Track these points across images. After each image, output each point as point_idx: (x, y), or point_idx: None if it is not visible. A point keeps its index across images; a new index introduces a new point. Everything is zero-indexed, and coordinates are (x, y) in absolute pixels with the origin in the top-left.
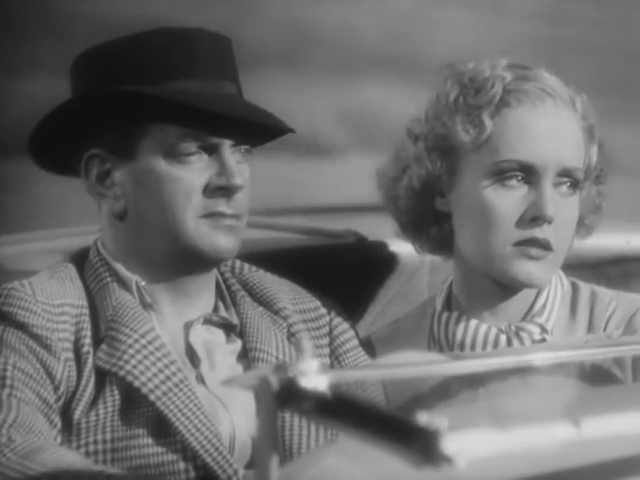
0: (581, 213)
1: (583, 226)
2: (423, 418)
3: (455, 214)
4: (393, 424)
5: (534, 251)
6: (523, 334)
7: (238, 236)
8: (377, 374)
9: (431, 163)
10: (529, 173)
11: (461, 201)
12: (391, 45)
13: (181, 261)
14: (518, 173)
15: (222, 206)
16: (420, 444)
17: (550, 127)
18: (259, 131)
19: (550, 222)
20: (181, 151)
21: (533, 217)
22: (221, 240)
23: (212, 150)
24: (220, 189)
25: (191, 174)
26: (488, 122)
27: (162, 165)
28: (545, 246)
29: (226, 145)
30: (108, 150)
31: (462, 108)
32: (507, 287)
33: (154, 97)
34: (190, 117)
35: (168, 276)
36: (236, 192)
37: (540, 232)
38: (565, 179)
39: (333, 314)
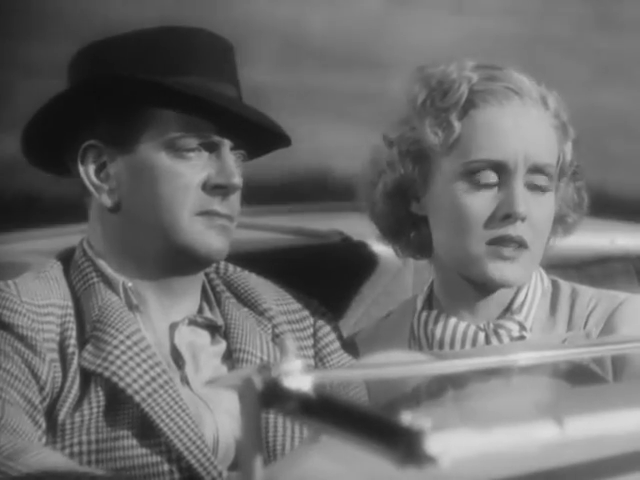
0: (561, 211)
1: (565, 224)
2: (407, 418)
3: (430, 217)
4: (377, 424)
5: (507, 251)
6: (501, 331)
7: (228, 238)
8: (361, 374)
9: (404, 167)
10: (500, 172)
11: (435, 204)
12: (345, 43)
13: (171, 259)
14: (488, 173)
15: (217, 205)
16: (404, 444)
17: (518, 125)
18: (257, 133)
19: (523, 219)
20: (182, 146)
21: (505, 215)
22: (213, 240)
23: (212, 148)
24: (218, 187)
25: (191, 170)
26: (456, 124)
27: (162, 159)
28: (519, 244)
29: (226, 145)
30: (105, 142)
31: (430, 111)
32: (484, 287)
33: (154, 83)
34: (191, 109)
35: (156, 275)
36: (233, 192)
37: (513, 230)
38: (537, 176)
39: (318, 315)
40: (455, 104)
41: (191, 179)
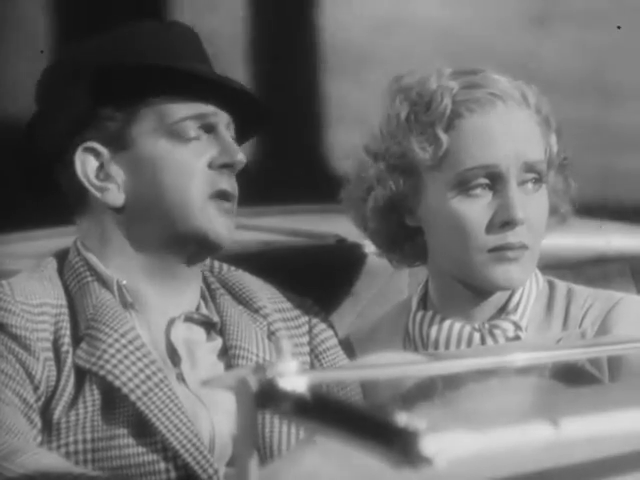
0: (553, 202)
1: (558, 215)
2: (402, 419)
3: (426, 229)
4: (372, 425)
5: (510, 253)
6: (497, 332)
7: (233, 222)
8: (356, 375)
9: (394, 183)
10: (493, 178)
11: (430, 216)
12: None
13: (178, 248)
14: (482, 180)
15: (225, 184)
16: (399, 445)
17: (505, 128)
18: (245, 104)
19: (521, 224)
20: (181, 132)
21: (503, 222)
22: (222, 225)
23: (210, 130)
24: (224, 166)
25: (193, 153)
26: (443, 137)
27: (163, 147)
28: (521, 247)
29: (223, 124)
30: (102, 142)
31: (415, 126)
32: (483, 290)
33: (145, 66)
34: (184, 89)
35: (161, 268)
36: (238, 168)
37: (513, 236)
38: (529, 175)
39: (312, 313)
40: (440, 117)
41: (196, 162)
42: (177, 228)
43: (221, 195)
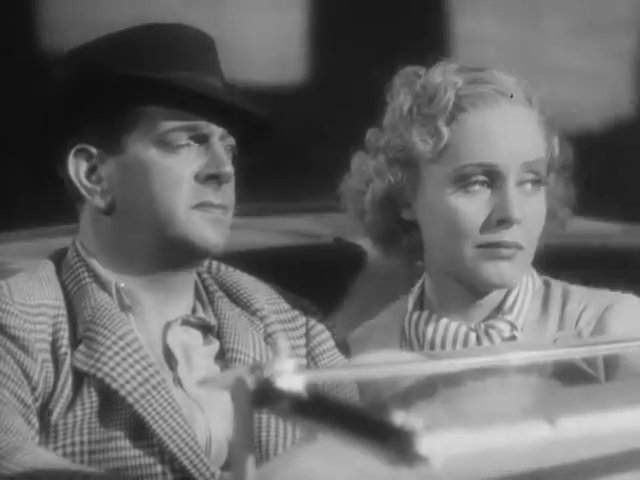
0: (552, 207)
1: (556, 219)
2: (399, 418)
3: (422, 223)
4: (369, 424)
5: (504, 251)
6: (492, 332)
7: (224, 230)
8: (352, 374)
9: (392, 175)
10: (491, 176)
11: (426, 210)
12: None
13: (167, 254)
14: (480, 177)
15: (211, 196)
16: (396, 444)
17: (507, 126)
18: (245, 120)
19: (517, 223)
20: (172, 141)
21: (499, 220)
22: (209, 232)
23: (202, 141)
24: (210, 178)
25: (182, 163)
26: (445, 130)
27: (152, 155)
28: (515, 247)
29: (216, 136)
30: (95, 144)
31: (417, 118)
32: (478, 289)
33: (144, 79)
34: (179, 103)
35: (152, 272)
36: (226, 181)
37: (508, 234)
38: (528, 176)
39: (309, 315)
40: (443, 110)
41: (183, 172)
42: (164, 235)
43: (206, 206)
